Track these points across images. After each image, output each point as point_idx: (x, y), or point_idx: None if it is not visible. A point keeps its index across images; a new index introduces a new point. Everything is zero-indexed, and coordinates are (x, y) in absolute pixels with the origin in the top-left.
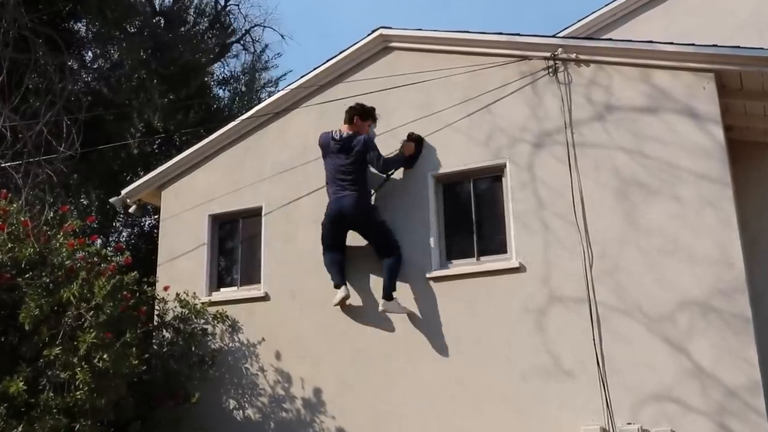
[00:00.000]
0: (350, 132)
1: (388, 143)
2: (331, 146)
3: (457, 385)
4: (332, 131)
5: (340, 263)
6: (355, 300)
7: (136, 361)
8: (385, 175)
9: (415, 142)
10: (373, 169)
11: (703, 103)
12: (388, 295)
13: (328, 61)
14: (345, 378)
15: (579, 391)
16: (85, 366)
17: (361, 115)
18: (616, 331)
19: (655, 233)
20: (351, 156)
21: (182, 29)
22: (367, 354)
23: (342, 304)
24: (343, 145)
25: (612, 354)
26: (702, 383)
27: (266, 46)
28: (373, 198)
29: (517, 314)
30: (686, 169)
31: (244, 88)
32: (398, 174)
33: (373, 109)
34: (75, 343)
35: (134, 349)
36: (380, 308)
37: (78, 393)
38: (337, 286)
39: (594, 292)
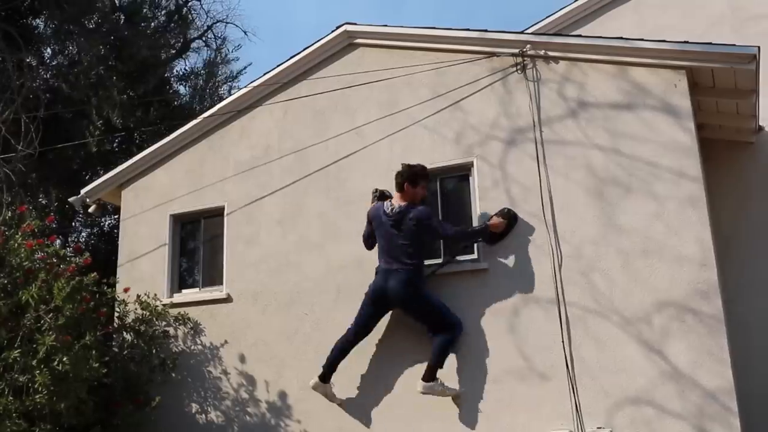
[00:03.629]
0: (403, 203)
1: (353, 141)
2: (383, 221)
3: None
4: (383, 204)
5: (345, 354)
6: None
7: (97, 364)
8: (444, 258)
9: (508, 219)
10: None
11: (676, 100)
12: (432, 375)
13: (291, 57)
14: (309, 382)
15: (549, 395)
16: (45, 369)
17: (411, 180)
18: (591, 333)
19: (631, 232)
20: (404, 231)
21: (142, 25)
22: None
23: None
24: (396, 221)
25: (586, 357)
26: (678, 386)
27: (224, 39)
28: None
29: (484, 316)
30: (660, 167)
31: (203, 84)
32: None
33: (422, 168)
34: (34, 345)
35: (94, 351)
36: (419, 389)
37: (37, 396)
38: (322, 378)
39: (563, 293)
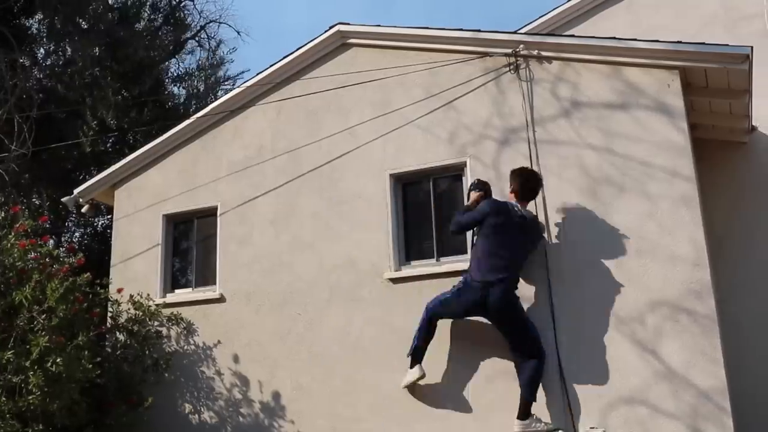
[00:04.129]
0: (528, 211)
1: (346, 141)
2: (513, 218)
3: (418, 390)
4: (509, 203)
5: (431, 338)
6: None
7: (90, 365)
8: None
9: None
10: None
11: (669, 100)
12: (527, 412)
13: (284, 58)
14: (303, 382)
15: (541, 394)
16: (38, 370)
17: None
18: (584, 333)
19: (624, 232)
20: (528, 237)
21: (137, 25)
22: (325, 358)
23: (412, 385)
24: (525, 223)
25: (579, 356)
26: (672, 386)
27: (220, 41)
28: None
29: (478, 316)
30: (653, 167)
31: (199, 86)
32: None
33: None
34: (27, 346)
35: (87, 352)
36: (516, 429)
37: (30, 397)
38: (413, 363)
39: (552, 294)
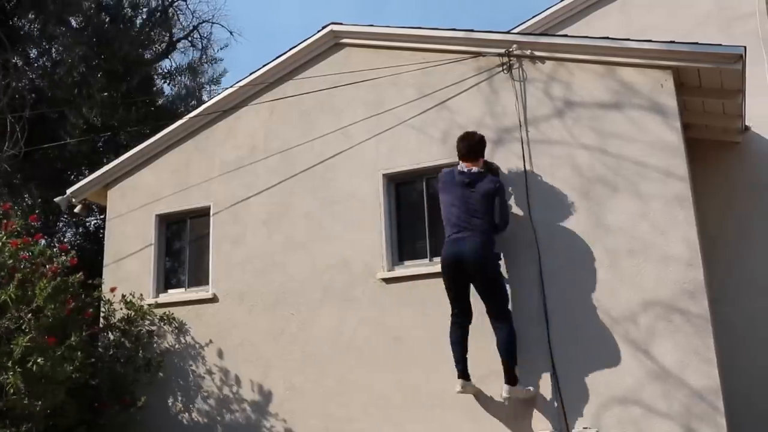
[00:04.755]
0: (479, 169)
1: (339, 141)
2: (456, 179)
3: (411, 390)
4: (457, 167)
5: (464, 342)
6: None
7: (71, 367)
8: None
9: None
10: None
11: (662, 100)
12: (512, 378)
13: (277, 57)
14: (295, 382)
15: (535, 395)
16: (18, 370)
17: (483, 150)
18: (577, 333)
19: (617, 232)
20: (478, 192)
21: (128, 24)
22: (318, 358)
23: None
24: (473, 180)
25: (572, 356)
26: (665, 385)
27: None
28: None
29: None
30: (646, 166)
31: (188, 83)
32: None
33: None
34: (11, 346)
35: (79, 353)
36: (504, 395)
37: (14, 397)
38: (459, 376)
39: (545, 293)
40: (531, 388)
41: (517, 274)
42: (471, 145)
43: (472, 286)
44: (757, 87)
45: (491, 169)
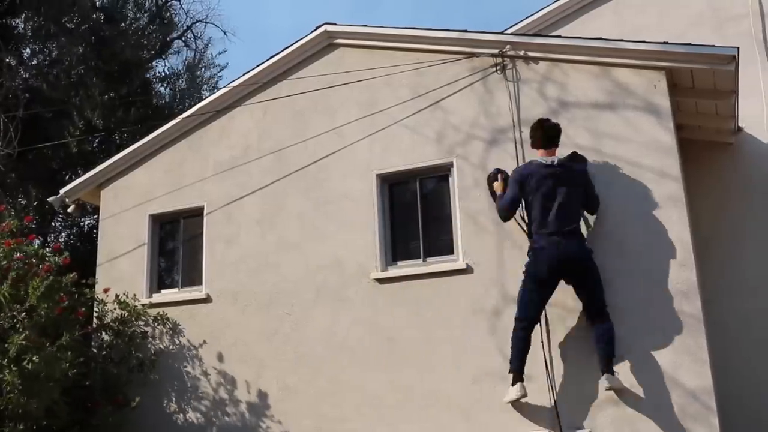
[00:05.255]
0: (561, 159)
1: (333, 141)
2: (542, 173)
3: (404, 390)
4: (537, 159)
5: (528, 345)
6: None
7: (66, 364)
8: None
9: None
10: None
11: (656, 101)
12: (612, 367)
13: (271, 57)
14: (289, 382)
15: (529, 395)
16: (14, 368)
17: (557, 138)
18: (570, 333)
19: (611, 232)
20: (572, 186)
21: (123, 25)
22: (311, 358)
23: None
24: (564, 172)
25: (566, 357)
26: (660, 385)
27: (210, 39)
28: None
29: (465, 317)
30: (640, 167)
31: (184, 85)
32: None
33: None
34: (5, 345)
35: (70, 352)
36: (607, 385)
37: (10, 396)
38: (515, 379)
39: None
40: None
41: (514, 275)
42: (551, 134)
43: None
44: (750, 88)
45: (577, 157)
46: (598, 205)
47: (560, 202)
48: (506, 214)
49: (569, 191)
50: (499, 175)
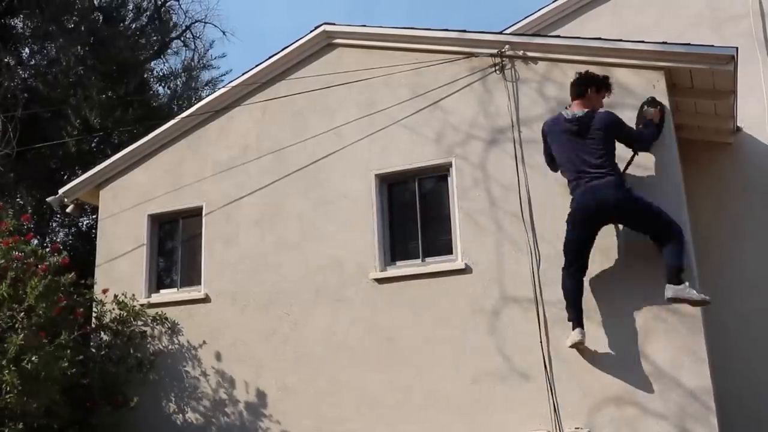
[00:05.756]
0: (585, 109)
1: (332, 141)
2: (562, 127)
3: (404, 390)
4: (559, 113)
5: (581, 291)
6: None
7: (66, 364)
8: (633, 153)
9: (659, 106)
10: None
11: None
12: (679, 277)
13: (270, 57)
14: (288, 382)
15: (528, 394)
16: (14, 368)
17: (597, 86)
18: (570, 332)
19: (611, 232)
20: (593, 136)
21: (121, 25)
22: (310, 358)
23: (577, 347)
24: (581, 126)
25: (566, 356)
26: (659, 385)
27: (212, 42)
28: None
29: (463, 317)
30: (639, 167)
31: (182, 85)
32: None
33: (606, 78)
34: (4, 344)
35: (68, 351)
36: (669, 294)
37: (8, 396)
38: (575, 325)
39: (541, 293)
40: (704, 295)
41: (513, 274)
42: (576, 86)
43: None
44: (750, 88)
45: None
46: (646, 141)
47: (580, 153)
48: (550, 166)
49: (588, 141)
50: (653, 106)
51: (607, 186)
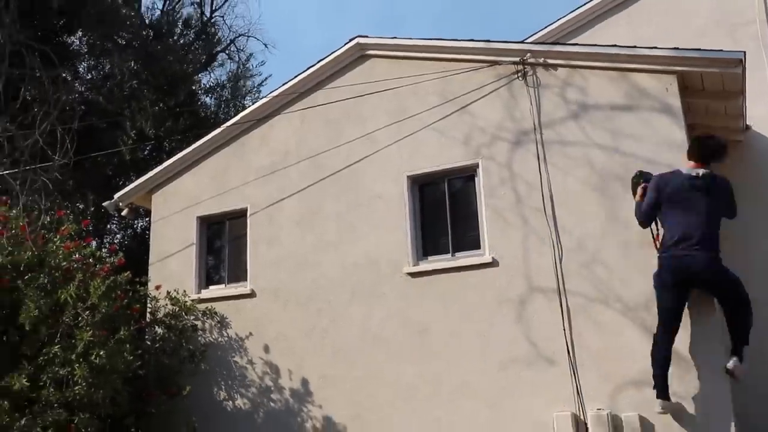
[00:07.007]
0: (705, 170)
1: (365, 146)
2: (685, 185)
3: (433, 381)
4: (676, 170)
5: (669, 362)
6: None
7: (131, 357)
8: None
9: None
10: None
11: (669, 102)
12: (742, 353)
13: (307, 69)
14: (327, 373)
15: (553, 379)
16: (83, 362)
17: (721, 156)
18: (594, 321)
19: (630, 225)
20: (715, 199)
21: (170, 40)
22: (347, 352)
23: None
24: (708, 184)
25: (588, 343)
26: (677, 368)
27: (251, 54)
28: None
29: (491, 307)
30: (656, 164)
31: (228, 96)
32: None
33: (726, 147)
34: (73, 341)
35: (128, 345)
36: (730, 365)
37: (77, 388)
38: (663, 397)
39: (564, 284)
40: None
41: (537, 266)
42: (706, 150)
43: None
44: (760, 90)
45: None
46: (735, 212)
47: (698, 215)
48: (647, 221)
49: (710, 203)
50: (641, 184)
51: (705, 258)
